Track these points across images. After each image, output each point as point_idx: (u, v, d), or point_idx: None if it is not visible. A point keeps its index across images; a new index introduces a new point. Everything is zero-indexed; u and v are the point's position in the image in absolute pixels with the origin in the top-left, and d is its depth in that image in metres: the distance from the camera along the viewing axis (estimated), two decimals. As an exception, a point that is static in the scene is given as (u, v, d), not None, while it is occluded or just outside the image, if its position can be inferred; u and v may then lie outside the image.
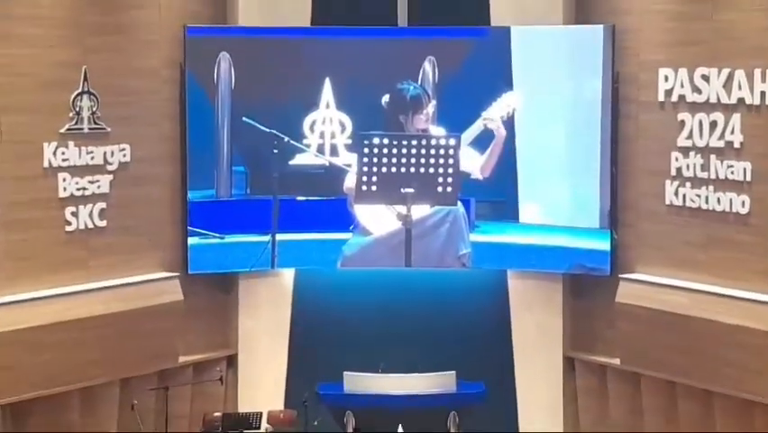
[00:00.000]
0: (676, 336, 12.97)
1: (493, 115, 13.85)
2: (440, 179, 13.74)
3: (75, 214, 13.09)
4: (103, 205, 13.30)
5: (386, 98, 13.95)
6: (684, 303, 12.97)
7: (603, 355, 14.06)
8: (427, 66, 14.21)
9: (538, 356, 14.43)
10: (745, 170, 12.68)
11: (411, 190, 13.83)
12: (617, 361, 13.82)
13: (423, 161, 13.73)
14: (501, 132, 13.87)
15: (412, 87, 13.98)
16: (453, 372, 13.54)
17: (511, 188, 14.19)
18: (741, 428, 12.72)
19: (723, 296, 12.66)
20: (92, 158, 13.20)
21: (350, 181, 14.11)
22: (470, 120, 13.87)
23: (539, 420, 14.49)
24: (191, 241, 13.99)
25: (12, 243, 12.52)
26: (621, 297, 13.56)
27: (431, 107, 14.02)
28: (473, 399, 13.61)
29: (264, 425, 14.05)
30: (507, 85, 14.00)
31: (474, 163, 13.97)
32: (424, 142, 13.65)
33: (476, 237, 14.22)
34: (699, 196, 13.12)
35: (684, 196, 13.25)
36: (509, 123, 13.96)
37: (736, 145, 12.77)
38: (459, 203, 13.99)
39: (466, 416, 13.54)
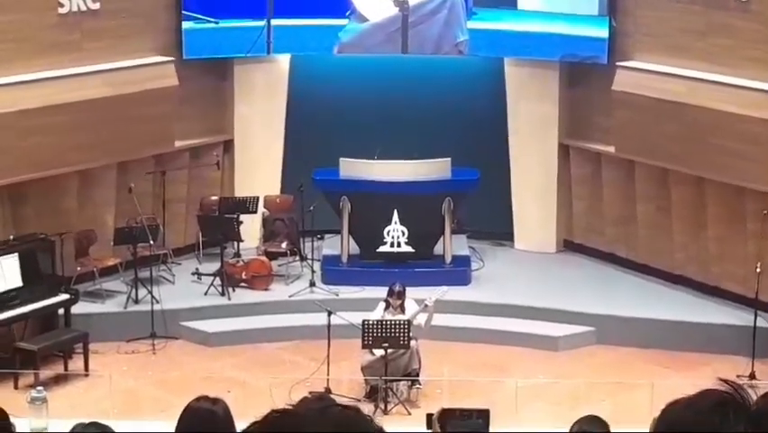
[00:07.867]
0: (671, 124, 12.96)
1: None
2: (437, -36, 13.52)
3: (67, -5, 12.92)
4: (95, -14, 13.11)
5: None
6: (681, 91, 12.91)
7: (598, 143, 14.09)
8: None
9: (533, 144, 14.46)
10: (747, -48, 12.45)
11: (408, -26, 13.62)
12: (611, 149, 13.85)
13: (420, -56, 13.49)
14: None
15: None
16: (449, 158, 13.56)
17: (510, -27, 13.95)
18: (731, 214, 12.84)
19: (720, 84, 12.60)
20: (82, -63, 12.97)
21: (346, -35, 13.89)
22: None
23: (533, 207, 14.61)
24: (185, 25, 13.84)
25: (2, 24, 12.38)
26: (618, 85, 13.48)
27: None
28: (468, 185, 13.68)
29: (261, 209, 14.20)
30: None
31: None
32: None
33: (473, 24, 14.08)
34: (699, -19, 12.91)
35: (685, -19, 13.03)
36: None
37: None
38: (457, -11, 13.81)
39: (461, 201, 13.65)
